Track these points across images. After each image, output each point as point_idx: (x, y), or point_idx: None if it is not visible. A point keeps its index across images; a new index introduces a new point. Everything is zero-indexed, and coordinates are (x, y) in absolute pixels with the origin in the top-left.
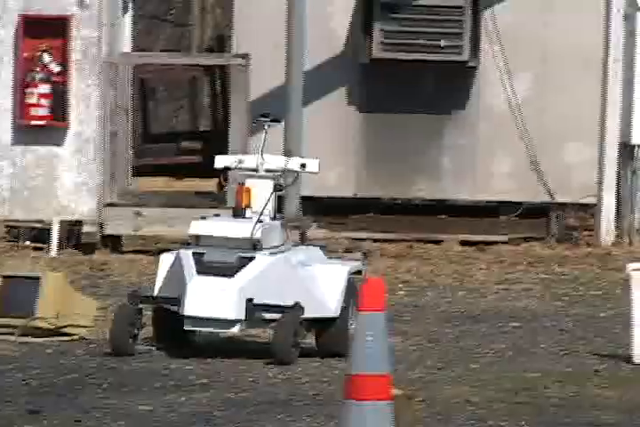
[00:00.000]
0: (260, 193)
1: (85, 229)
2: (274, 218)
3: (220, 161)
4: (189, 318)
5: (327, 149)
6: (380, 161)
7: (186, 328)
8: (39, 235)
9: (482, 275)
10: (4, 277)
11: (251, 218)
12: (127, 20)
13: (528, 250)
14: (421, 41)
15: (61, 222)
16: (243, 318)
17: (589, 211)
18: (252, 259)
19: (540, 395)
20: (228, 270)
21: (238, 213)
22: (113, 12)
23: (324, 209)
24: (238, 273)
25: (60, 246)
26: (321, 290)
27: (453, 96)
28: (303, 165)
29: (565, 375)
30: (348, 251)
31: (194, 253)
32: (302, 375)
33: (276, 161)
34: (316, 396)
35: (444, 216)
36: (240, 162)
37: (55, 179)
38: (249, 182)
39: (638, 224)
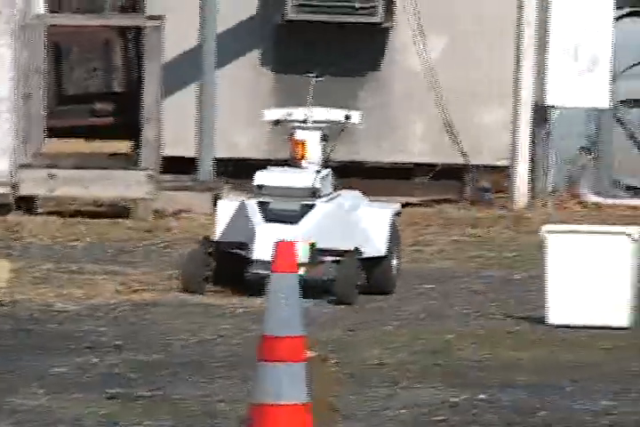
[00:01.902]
0: (310, 143)
1: None
2: (325, 167)
3: (270, 114)
4: (258, 261)
5: (241, 110)
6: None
7: (254, 271)
8: None
9: None
10: None
11: (307, 168)
12: None
13: (441, 212)
14: (335, 2)
15: None
16: (307, 260)
17: (503, 173)
18: (312, 206)
19: (453, 357)
20: (292, 218)
21: (295, 164)
22: None
23: (238, 171)
24: (301, 220)
25: None
26: (370, 231)
27: (368, 57)
28: (347, 117)
29: (479, 337)
30: None
31: (259, 202)
32: (216, 337)
33: (322, 113)
34: (229, 357)
35: (358, 178)
36: (289, 115)
37: None
38: (298, 133)
39: (551, 187)
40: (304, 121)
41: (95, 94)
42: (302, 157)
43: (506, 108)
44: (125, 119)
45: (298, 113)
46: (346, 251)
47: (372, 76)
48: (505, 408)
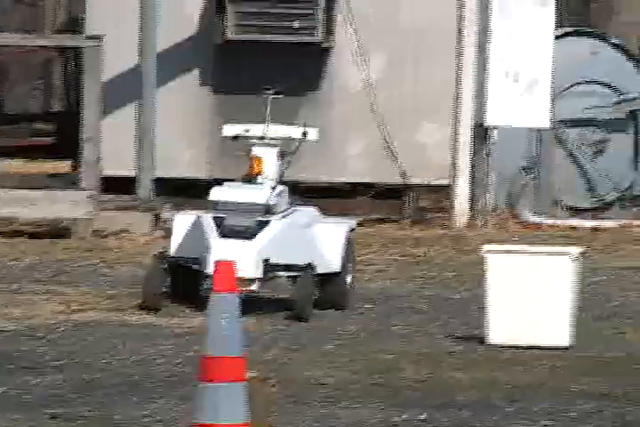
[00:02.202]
0: (266, 160)
1: None
2: (280, 183)
3: (229, 130)
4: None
5: (181, 130)
6: (235, 142)
7: (209, 286)
8: None
9: None
10: None
11: (262, 184)
12: None
13: (382, 231)
14: (275, 22)
15: None
16: (261, 276)
17: (444, 193)
18: (267, 223)
19: (394, 376)
20: (247, 233)
21: (251, 179)
22: None
23: (179, 190)
24: (256, 236)
25: None
26: (324, 248)
27: (308, 77)
28: (304, 134)
29: (420, 357)
30: None
31: (214, 218)
32: (157, 357)
33: (280, 130)
34: (170, 377)
35: (301, 197)
36: (247, 131)
37: None
38: (255, 150)
39: (492, 206)
40: (262, 137)
41: (35, 114)
42: (258, 173)
43: (446, 127)
44: (65, 139)
45: (256, 129)
46: (300, 267)
47: (312, 96)
48: None
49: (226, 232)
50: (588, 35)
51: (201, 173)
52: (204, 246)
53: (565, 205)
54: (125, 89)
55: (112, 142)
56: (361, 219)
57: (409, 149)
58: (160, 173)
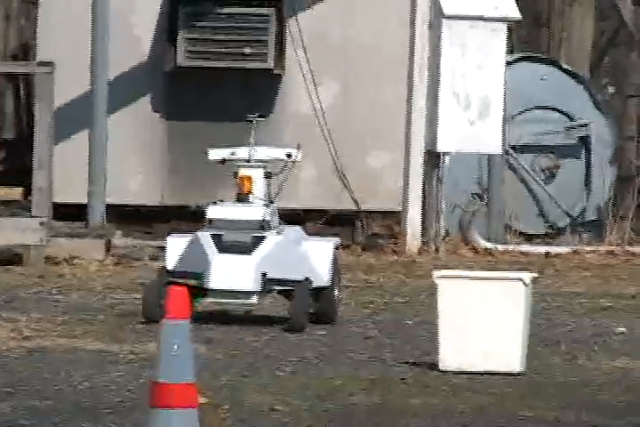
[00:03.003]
0: (254, 180)
1: None
2: (270, 202)
3: (215, 154)
4: (214, 291)
5: (132, 156)
6: (185, 169)
7: (210, 300)
8: None
9: None
10: None
11: (253, 202)
12: None
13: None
14: (226, 49)
15: None
16: (259, 289)
17: (395, 218)
18: (263, 238)
19: (345, 402)
20: (245, 248)
21: (243, 198)
22: None
23: (128, 217)
24: (254, 251)
25: None
26: (314, 262)
27: (259, 103)
28: (289, 155)
29: (371, 383)
30: (153, 259)
31: (212, 235)
32: (108, 383)
33: (265, 151)
34: (121, 403)
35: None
36: (233, 153)
37: None
38: (242, 171)
39: (443, 232)
40: (247, 160)
41: None
42: (249, 192)
43: (398, 153)
44: (17, 165)
45: (241, 152)
46: (296, 281)
47: (263, 122)
48: None
49: (225, 248)
50: (539, 60)
51: (152, 200)
52: (204, 262)
53: (517, 231)
54: (77, 116)
55: (63, 169)
56: (339, 240)
57: (360, 175)
58: (111, 200)
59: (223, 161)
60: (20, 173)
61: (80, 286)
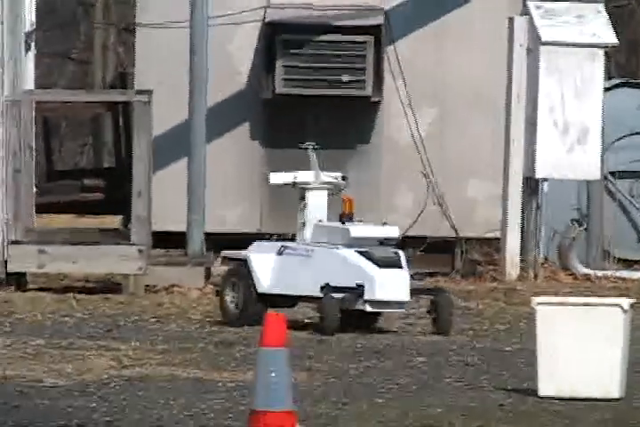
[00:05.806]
0: (317, 202)
1: None
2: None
3: (276, 178)
4: (379, 302)
5: (230, 184)
6: (284, 197)
7: (370, 310)
8: None
9: None
10: None
11: (361, 221)
12: (30, 57)
13: (433, 285)
14: (323, 76)
15: None
16: (410, 299)
17: (494, 245)
18: (398, 254)
19: None
20: (397, 263)
21: (349, 218)
22: (15, 50)
23: (228, 245)
24: (403, 265)
25: None
26: None
27: (357, 131)
28: (344, 178)
29: (470, 410)
30: None
31: (358, 251)
32: (208, 411)
33: (327, 175)
34: None
35: None
36: (295, 178)
37: None
38: (308, 194)
39: (542, 258)
40: (309, 183)
41: (85, 169)
42: (351, 213)
43: (496, 180)
44: (115, 194)
45: (302, 176)
46: (434, 289)
47: (361, 149)
48: None
49: (381, 263)
50: (637, 86)
51: (251, 228)
52: (363, 276)
53: (616, 257)
54: (175, 143)
55: (162, 197)
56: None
57: (459, 202)
58: (210, 228)
59: (286, 185)
60: (120, 202)
61: (180, 314)
